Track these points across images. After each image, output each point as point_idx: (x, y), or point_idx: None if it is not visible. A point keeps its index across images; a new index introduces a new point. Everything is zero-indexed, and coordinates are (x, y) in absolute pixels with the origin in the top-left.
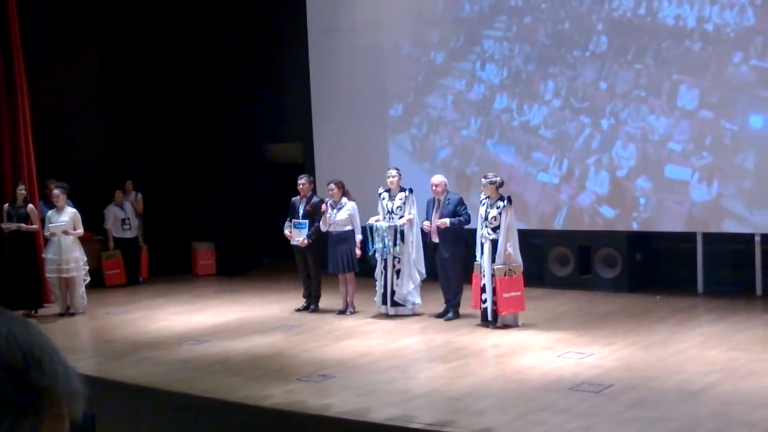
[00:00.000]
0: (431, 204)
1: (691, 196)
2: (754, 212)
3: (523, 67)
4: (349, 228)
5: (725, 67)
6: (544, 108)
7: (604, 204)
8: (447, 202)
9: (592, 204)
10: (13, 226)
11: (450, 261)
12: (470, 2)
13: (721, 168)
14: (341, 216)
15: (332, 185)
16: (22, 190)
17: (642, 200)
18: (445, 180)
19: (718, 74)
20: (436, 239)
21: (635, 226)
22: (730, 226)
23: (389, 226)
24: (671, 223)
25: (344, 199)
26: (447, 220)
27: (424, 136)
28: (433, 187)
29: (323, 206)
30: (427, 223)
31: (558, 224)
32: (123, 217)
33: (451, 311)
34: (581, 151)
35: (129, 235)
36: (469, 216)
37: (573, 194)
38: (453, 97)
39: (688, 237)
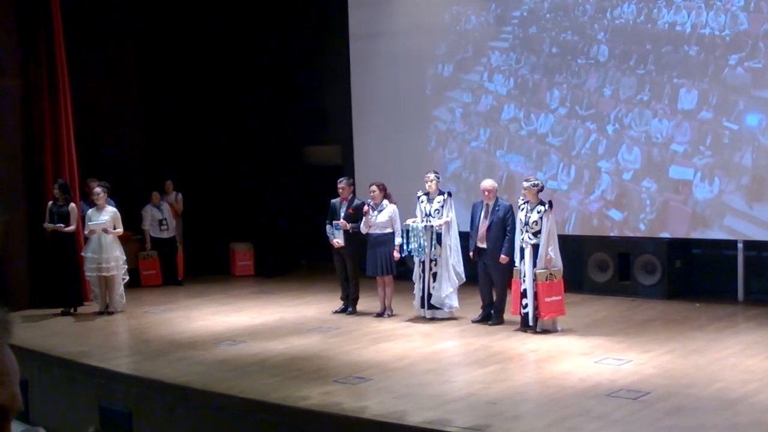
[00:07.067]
0: (479, 208)
1: (695, 195)
2: (753, 207)
3: (529, 77)
4: (388, 231)
5: (722, 70)
6: (550, 116)
7: (612, 207)
8: (497, 209)
9: (600, 208)
10: (53, 226)
11: (495, 266)
12: (476, 14)
13: (722, 166)
14: (381, 218)
15: (374, 187)
16: (55, 189)
17: (648, 201)
18: (496, 185)
19: (715, 76)
20: (482, 245)
21: (642, 228)
22: (731, 222)
23: (425, 227)
24: (677, 222)
25: (385, 202)
26: (505, 258)
27: (433, 150)
28: (485, 192)
29: (365, 207)
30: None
31: (568, 230)
32: (160, 217)
33: (495, 317)
34: (588, 157)
35: (166, 235)
36: (514, 227)
37: (581, 199)
38: (462, 109)
39: (729, 244)
